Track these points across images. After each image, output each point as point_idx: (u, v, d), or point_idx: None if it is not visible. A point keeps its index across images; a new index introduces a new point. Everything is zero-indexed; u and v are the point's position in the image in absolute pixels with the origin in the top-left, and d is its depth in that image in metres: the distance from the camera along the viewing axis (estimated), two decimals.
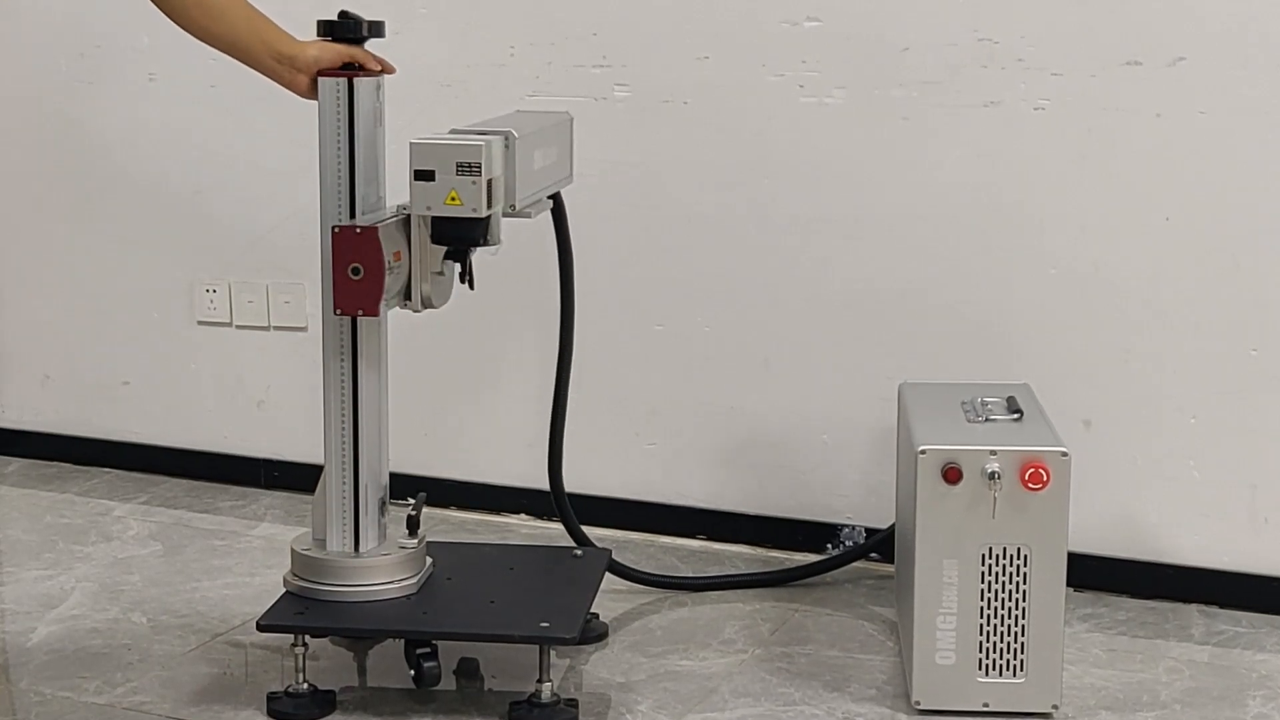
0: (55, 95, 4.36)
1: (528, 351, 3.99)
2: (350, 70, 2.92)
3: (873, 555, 3.71)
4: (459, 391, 4.09)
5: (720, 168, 3.75)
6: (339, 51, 2.92)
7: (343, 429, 3.01)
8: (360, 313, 2.85)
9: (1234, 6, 3.34)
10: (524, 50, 3.86)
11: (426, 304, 2.98)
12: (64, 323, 4.49)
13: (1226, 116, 3.36)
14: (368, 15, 2.97)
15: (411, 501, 3.09)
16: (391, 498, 3.12)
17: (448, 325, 3.88)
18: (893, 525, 3.48)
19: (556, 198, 3.18)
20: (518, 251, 3.92)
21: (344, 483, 3.02)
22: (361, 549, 3.01)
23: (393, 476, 3.14)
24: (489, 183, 2.74)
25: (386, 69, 2.96)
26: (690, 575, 3.66)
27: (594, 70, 3.80)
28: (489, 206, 2.76)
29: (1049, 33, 3.45)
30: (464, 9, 3.91)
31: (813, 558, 3.72)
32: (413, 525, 3.05)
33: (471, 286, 2.98)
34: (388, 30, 3.00)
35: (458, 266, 2.95)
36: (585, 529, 3.91)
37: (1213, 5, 3.35)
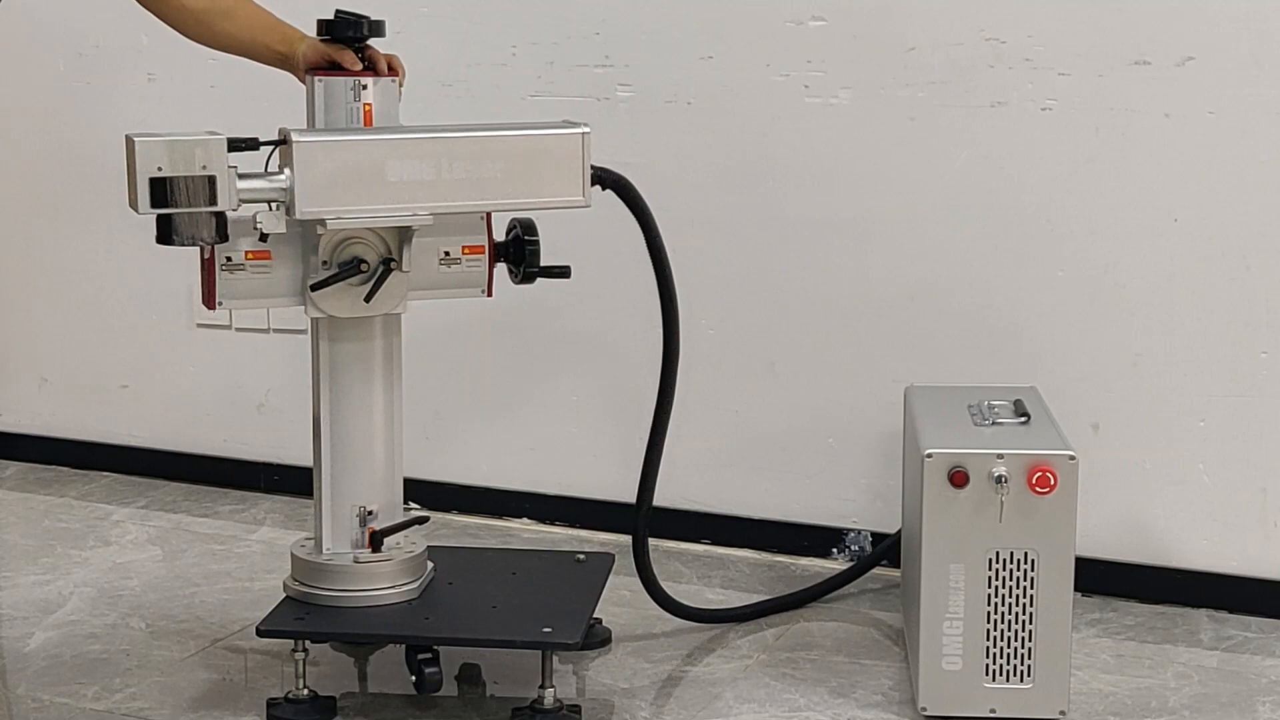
0: (54, 96, 4.34)
1: (530, 354, 3.97)
2: (329, 69, 2.92)
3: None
4: (460, 395, 4.07)
5: (724, 169, 3.73)
6: (321, 52, 2.92)
7: (313, 433, 3.02)
8: (206, 305, 2.90)
9: (1243, 6, 3.32)
10: (526, 50, 3.84)
11: (316, 308, 2.91)
12: (62, 325, 4.47)
13: (1236, 117, 3.35)
14: (370, 15, 2.94)
15: (416, 509, 3.06)
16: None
17: (449, 328, 3.87)
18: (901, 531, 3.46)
19: (630, 203, 3.11)
20: None
21: (317, 484, 3.03)
22: (323, 551, 3.02)
23: None
24: (156, 182, 2.69)
25: (378, 70, 2.93)
26: (724, 608, 3.52)
27: (596, 70, 3.78)
28: (152, 206, 2.71)
29: (1056, 32, 3.43)
30: (466, 8, 3.89)
31: (818, 562, 3.71)
32: (375, 542, 3.00)
33: (367, 300, 2.90)
34: (389, 30, 2.98)
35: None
36: (587, 533, 3.92)
37: (1222, 5, 3.33)
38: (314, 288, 2.88)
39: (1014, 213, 3.53)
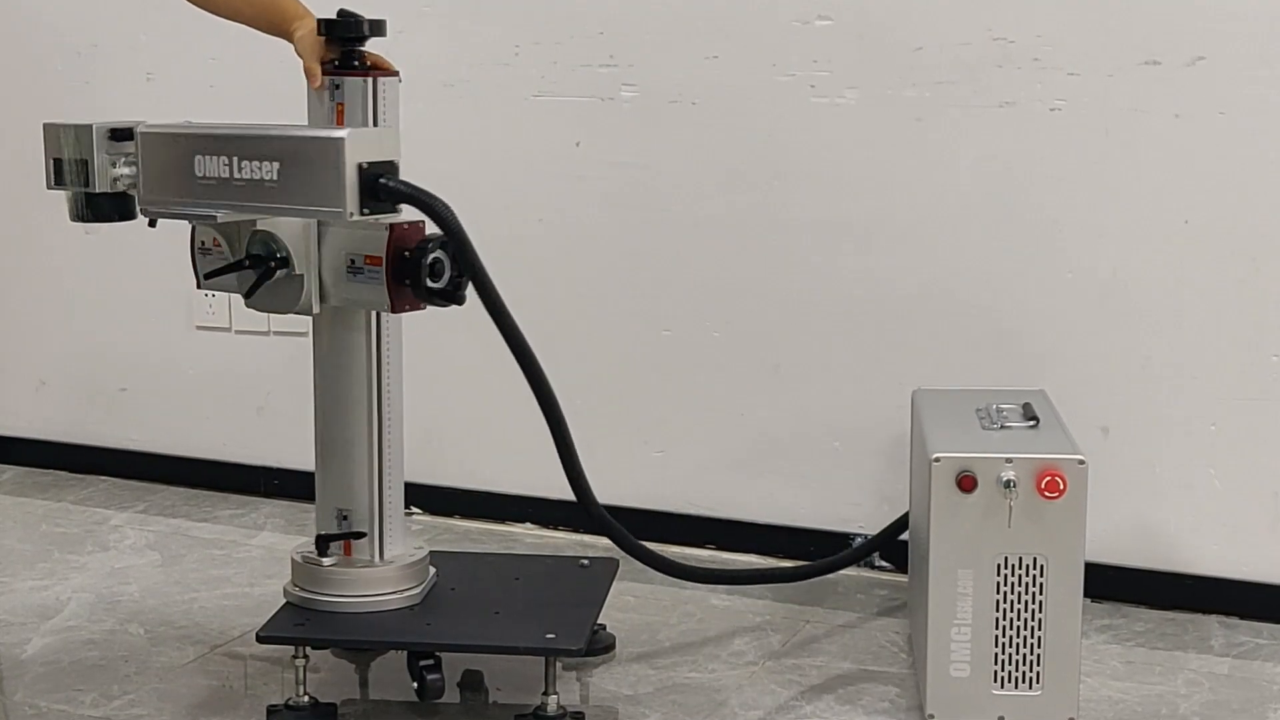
0: (52, 95, 4.32)
1: None
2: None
3: (884, 565, 3.67)
4: (463, 398, 4.04)
5: (729, 169, 3.70)
6: (312, 53, 2.91)
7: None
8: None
9: (1254, 5, 3.29)
10: (529, 49, 3.81)
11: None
12: (60, 327, 4.45)
13: (1246, 117, 3.32)
14: (370, 13, 2.92)
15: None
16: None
17: (452, 331, 3.84)
18: (902, 517, 3.44)
19: (438, 219, 2.74)
20: (522, 256, 3.89)
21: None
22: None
23: None
24: (54, 163, 2.93)
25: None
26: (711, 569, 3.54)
27: (600, 70, 3.76)
28: (51, 185, 2.95)
29: (1065, 32, 3.41)
30: (468, 7, 3.87)
31: None
32: (320, 545, 2.99)
33: (245, 296, 2.91)
34: (391, 29, 2.95)
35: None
36: (590, 538, 3.91)
37: (1232, 4, 3.30)
38: (206, 276, 2.93)
39: (1022, 214, 3.50)
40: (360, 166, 2.66)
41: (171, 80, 4.16)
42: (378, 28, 2.93)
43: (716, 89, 3.69)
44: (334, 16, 2.91)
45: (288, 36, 2.96)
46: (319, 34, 2.91)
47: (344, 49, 2.91)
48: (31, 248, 4.45)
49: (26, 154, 4.40)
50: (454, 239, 2.74)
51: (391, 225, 2.83)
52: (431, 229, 2.80)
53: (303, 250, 2.86)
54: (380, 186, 2.66)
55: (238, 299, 4.11)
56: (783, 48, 3.61)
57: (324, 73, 2.90)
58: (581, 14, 3.76)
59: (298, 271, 2.86)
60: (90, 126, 2.88)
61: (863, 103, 3.58)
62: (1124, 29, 3.37)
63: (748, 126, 3.67)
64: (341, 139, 2.66)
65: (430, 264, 2.82)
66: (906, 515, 3.44)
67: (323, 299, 2.91)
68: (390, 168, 2.71)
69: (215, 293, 4.08)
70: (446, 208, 2.72)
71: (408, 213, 2.75)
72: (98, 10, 4.23)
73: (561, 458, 2.98)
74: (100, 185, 2.90)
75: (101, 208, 2.93)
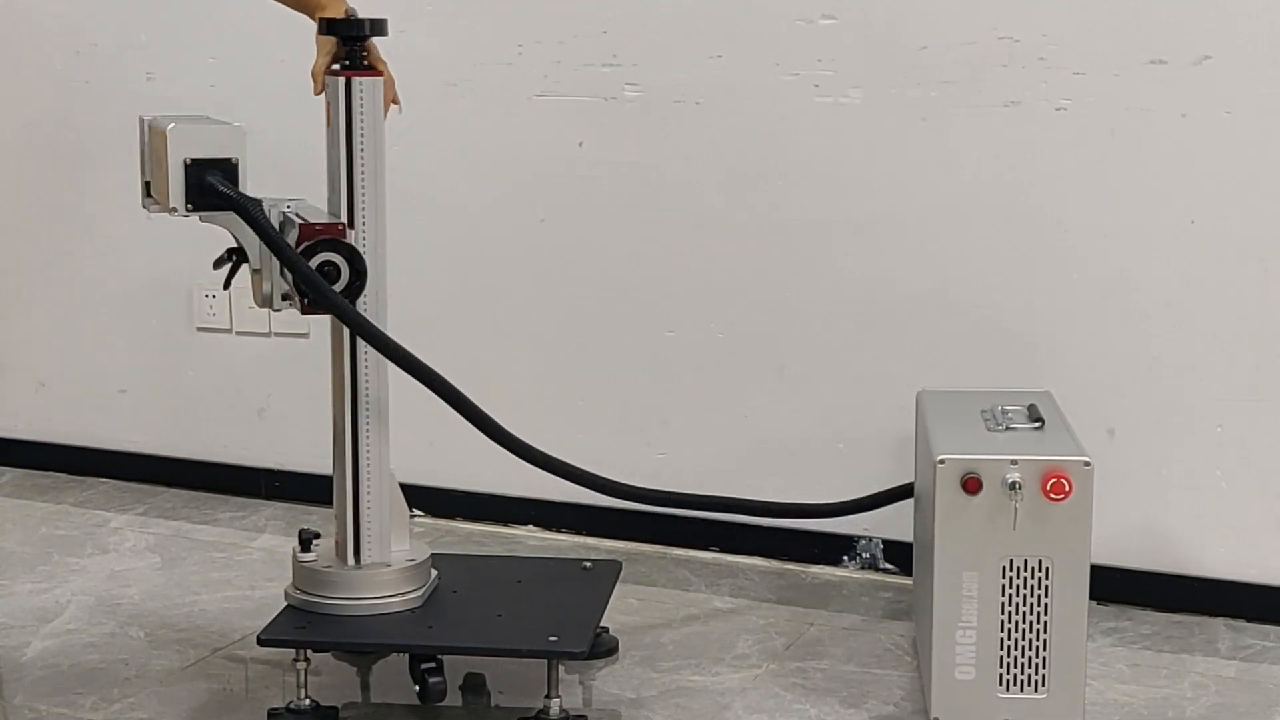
0: (51, 95, 4.31)
1: (534, 360, 3.93)
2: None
3: (889, 567, 3.66)
4: None
5: (733, 169, 3.69)
6: (324, 47, 2.90)
7: None
8: None
9: (1261, 4, 3.28)
10: (532, 49, 3.80)
11: None
12: (59, 328, 4.44)
13: (1253, 117, 3.31)
14: (373, 13, 2.90)
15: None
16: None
17: (454, 333, 3.83)
18: (908, 484, 3.42)
19: (252, 223, 2.77)
20: (525, 256, 3.87)
21: None
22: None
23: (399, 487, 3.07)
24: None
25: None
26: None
27: (604, 69, 3.74)
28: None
29: (1071, 31, 3.39)
30: (471, 6, 3.86)
31: (828, 570, 3.69)
32: (303, 541, 3.00)
33: (225, 287, 2.98)
34: (393, 29, 2.94)
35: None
36: (594, 540, 3.89)
37: (1238, 3, 3.29)
38: (214, 264, 2.93)
39: (1027, 214, 3.49)
40: (185, 162, 2.67)
41: (171, 80, 4.15)
42: (378, 27, 2.91)
43: (720, 89, 3.67)
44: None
45: (313, 19, 2.95)
46: (320, 33, 2.90)
47: (346, 48, 2.90)
48: (31, 248, 4.43)
49: (26, 153, 4.41)
50: (269, 244, 2.75)
51: (300, 225, 2.82)
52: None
53: (256, 244, 2.84)
54: (204, 184, 2.68)
55: (238, 300, 4.15)
56: (786, 47, 3.60)
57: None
58: (584, 13, 3.75)
59: (255, 266, 2.86)
60: (143, 119, 2.93)
61: (867, 102, 3.56)
62: (1130, 28, 3.35)
63: (751, 126, 3.66)
64: (164, 132, 2.67)
65: (318, 267, 2.80)
66: (911, 484, 3.40)
67: (287, 296, 2.89)
68: (226, 165, 2.72)
69: (215, 293, 4.17)
70: (259, 209, 2.73)
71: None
72: (98, 10, 4.22)
73: (457, 408, 2.97)
74: (145, 175, 2.96)
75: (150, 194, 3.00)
